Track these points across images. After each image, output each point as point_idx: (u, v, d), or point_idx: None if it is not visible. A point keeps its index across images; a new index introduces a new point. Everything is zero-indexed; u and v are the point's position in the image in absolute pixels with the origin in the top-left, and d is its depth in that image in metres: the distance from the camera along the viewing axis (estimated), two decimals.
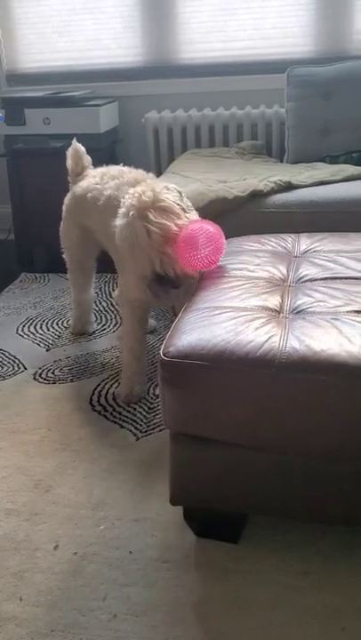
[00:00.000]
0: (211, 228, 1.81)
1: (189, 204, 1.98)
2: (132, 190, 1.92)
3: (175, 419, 1.45)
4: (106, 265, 2.54)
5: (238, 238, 2.09)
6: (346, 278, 1.70)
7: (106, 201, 2.21)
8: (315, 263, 1.82)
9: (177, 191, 1.95)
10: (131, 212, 1.86)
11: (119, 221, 1.92)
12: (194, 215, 1.95)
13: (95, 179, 2.35)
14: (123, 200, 1.96)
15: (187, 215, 1.91)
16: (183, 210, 1.90)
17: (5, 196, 3.56)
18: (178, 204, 1.89)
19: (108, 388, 2.27)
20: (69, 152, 2.53)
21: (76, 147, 2.52)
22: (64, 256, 2.58)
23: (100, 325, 2.78)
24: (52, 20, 3.66)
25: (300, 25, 3.41)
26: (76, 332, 2.71)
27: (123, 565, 1.54)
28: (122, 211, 1.92)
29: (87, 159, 2.53)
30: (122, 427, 2.07)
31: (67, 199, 2.50)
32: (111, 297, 3.02)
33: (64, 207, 2.50)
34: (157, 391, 2.22)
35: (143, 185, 1.95)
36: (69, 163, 2.52)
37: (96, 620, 1.40)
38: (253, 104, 3.49)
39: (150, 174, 2.23)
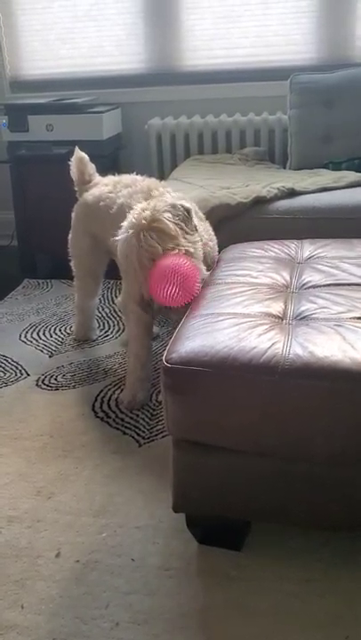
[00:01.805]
0: (186, 265, 1.76)
1: (198, 221, 1.96)
2: (137, 206, 1.91)
3: (178, 425, 1.45)
4: (108, 271, 2.54)
5: (241, 244, 2.09)
6: (349, 285, 1.70)
7: (118, 209, 2.21)
8: (318, 269, 1.81)
9: (184, 208, 1.93)
10: (129, 230, 1.86)
11: (119, 236, 1.92)
12: (204, 230, 1.93)
13: (108, 187, 2.35)
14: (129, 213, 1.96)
15: (187, 236, 1.89)
16: (185, 230, 1.89)
17: (8, 203, 3.57)
18: (177, 224, 1.88)
19: (111, 395, 2.27)
20: (73, 161, 2.52)
21: (80, 155, 2.51)
22: (71, 264, 2.58)
23: (103, 332, 2.77)
24: (55, 27, 3.67)
25: (302, 32, 3.42)
26: (79, 338, 2.71)
27: (125, 573, 1.53)
28: (124, 225, 1.92)
29: (92, 166, 2.53)
30: (124, 433, 2.06)
31: (77, 207, 2.50)
32: (114, 303, 3.02)
33: (74, 215, 2.50)
34: (160, 397, 2.22)
35: (151, 200, 1.93)
36: (74, 172, 2.51)
37: (98, 629, 1.39)
38: (256, 111, 3.50)
39: (163, 182, 2.23)
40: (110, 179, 2.42)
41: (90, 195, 2.42)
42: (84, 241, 2.47)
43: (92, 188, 2.44)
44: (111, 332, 2.76)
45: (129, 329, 2.18)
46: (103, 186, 2.38)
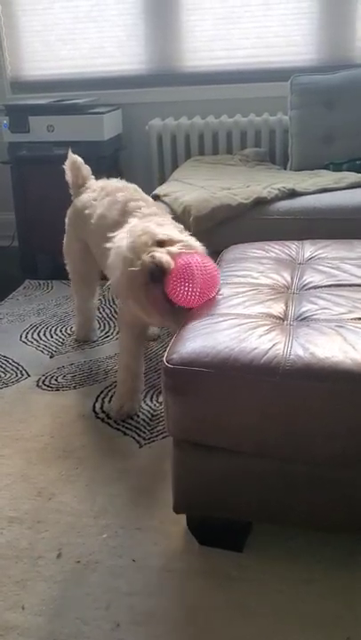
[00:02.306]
0: (209, 265, 1.69)
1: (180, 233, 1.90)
2: (129, 235, 1.82)
3: (178, 426, 1.45)
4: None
5: (242, 245, 2.09)
6: (350, 285, 1.70)
7: (97, 219, 2.21)
8: (319, 270, 1.81)
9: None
10: (127, 255, 1.77)
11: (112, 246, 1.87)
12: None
13: (94, 193, 2.34)
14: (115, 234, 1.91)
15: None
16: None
17: (9, 203, 3.58)
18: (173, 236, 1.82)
19: (112, 396, 2.27)
20: (67, 164, 2.50)
21: (73, 158, 2.49)
22: (67, 267, 2.58)
23: (104, 332, 2.78)
24: (56, 28, 3.68)
25: (303, 33, 3.42)
26: (80, 339, 2.71)
27: (126, 574, 1.53)
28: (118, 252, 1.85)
29: (86, 169, 2.50)
30: (125, 434, 2.06)
31: (69, 211, 2.50)
32: (114, 304, 3.02)
33: (66, 219, 2.50)
34: (161, 398, 2.22)
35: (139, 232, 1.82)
36: (69, 175, 2.50)
37: (99, 630, 1.39)
38: (257, 112, 3.50)
39: (139, 192, 2.21)
40: (98, 184, 2.40)
41: (79, 201, 2.42)
42: (76, 246, 2.46)
43: (84, 192, 2.42)
44: (111, 333, 2.76)
45: (120, 339, 2.16)
46: (91, 192, 2.37)
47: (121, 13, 3.57)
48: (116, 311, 2.94)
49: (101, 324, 2.84)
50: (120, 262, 1.78)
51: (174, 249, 1.73)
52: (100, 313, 2.93)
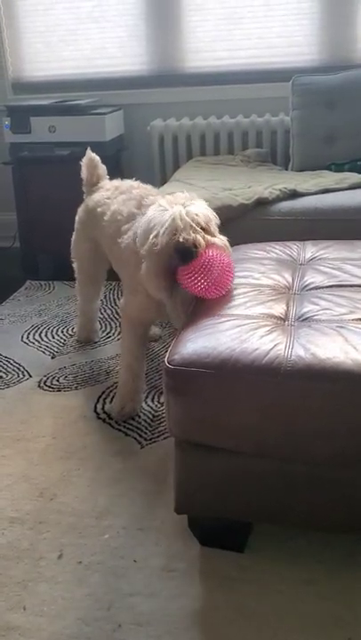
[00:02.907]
0: (226, 259, 1.71)
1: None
2: (171, 203, 1.81)
3: (180, 426, 1.45)
4: (111, 273, 2.54)
5: (243, 246, 2.09)
6: (351, 286, 1.69)
7: (111, 215, 2.20)
8: (320, 271, 1.81)
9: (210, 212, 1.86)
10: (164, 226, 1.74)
11: (148, 212, 1.84)
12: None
13: (107, 192, 2.33)
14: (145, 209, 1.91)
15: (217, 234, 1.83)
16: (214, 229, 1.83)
17: (11, 204, 3.58)
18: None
19: (113, 396, 2.27)
20: (84, 161, 2.51)
21: (91, 156, 2.50)
22: (74, 266, 2.58)
23: (105, 333, 2.78)
24: (57, 28, 3.68)
25: (304, 34, 3.42)
26: (81, 340, 2.71)
27: (127, 574, 1.53)
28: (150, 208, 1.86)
29: (102, 169, 2.51)
30: (126, 435, 2.06)
31: (80, 211, 2.49)
32: (116, 304, 3.02)
33: (77, 218, 2.50)
34: (162, 399, 2.22)
35: (180, 200, 1.82)
36: (84, 173, 2.51)
37: (100, 630, 1.39)
38: (258, 112, 3.50)
39: (155, 189, 2.22)
40: (112, 183, 2.40)
41: (91, 199, 2.41)
42: (85, 245, 2.46)
43: (97, 191, 2.43)
44: (113, 334, 2.76)
45: (123, 340, 2.16)
46: (105, 191, 2.37)
47: (122, 14, 3.58)
48: (117, 312, 2.94)
49: (103, 325, 2.84)
50: (164, 224, 1.73)
51: (212, 239, 1.74)
52: (102, 314, 2.93)
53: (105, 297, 3.10)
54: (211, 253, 1.68)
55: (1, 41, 3.75)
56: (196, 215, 1.75)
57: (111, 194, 2.30)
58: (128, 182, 2.34)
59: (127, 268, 2.05)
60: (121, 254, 2.08)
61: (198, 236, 1.70)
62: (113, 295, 3.14)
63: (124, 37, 3.61)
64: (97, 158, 2.50)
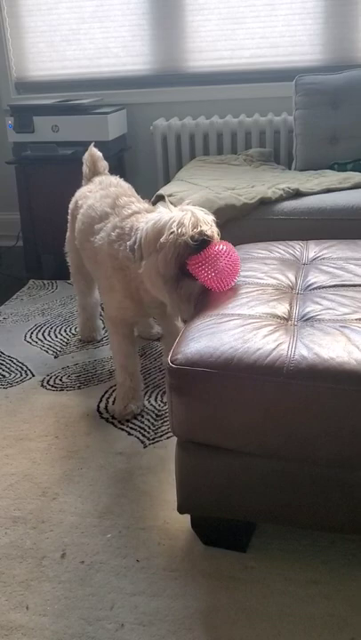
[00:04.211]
0: (234, 253, 1.77)
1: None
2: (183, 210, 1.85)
3: (183, 426, 1.45)
4: None
5: (246, 245, 2.09)
6: (354, 286, 1.69)
7: (86, 210, 2.23)
8: (323, 270, 1.81)
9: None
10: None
11: (152, 216, 1.88)
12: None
13: (92, 186, 2.38)
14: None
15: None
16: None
17: (14, 203, 3.58)
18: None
19: (116, 396, 2.27)
20: (85, 157, 2.54)
21: (92, 151, 2.53)
22: (67, 259, 2.61)
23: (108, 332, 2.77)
24: (61, 28, 3.68)
25: (308, 33, 3.41)
26: (84, 339, 2.71)
27: (130, 574, 1.53)
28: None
29: (102, 165, 2.53)
30: (129, 434, 2.06)
31: (71, 203, 2.52)
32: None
33: (69, 210, 2.53)
34: (165, 398, 2.22)
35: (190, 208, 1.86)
36: (84, 167, 2.54)
37: (103, 630, 1.39)
38: (262, 112, 3.50)
39: (131, 189, 2.25)
40: (99, 178, 2.43)
41: (78, 191, 2.46)
42: (73, 237, 2.48)
43: (87, 185, 2.47)
44: None
45: (111, 342, 2.18)
46: (91, 184, 2.41)
47: (125, 14, 3.58)
48: None
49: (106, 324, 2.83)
50: (170, 222, 1.78)
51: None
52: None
53: None
54: (222, 247, 1.76)
55: (4, 40, 3.75)
56: (205, 216, 1.82)
57: (94, 187, 2.34)
58: (110, 179, 2.38)
59: (102, 268, 2.08)
60: (95, 254, 2.12)
61: (214, 229, 1.80)
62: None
63: (127, 37, 3.62)
64: (98, 154, 2.52)
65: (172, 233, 1.75)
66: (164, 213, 1.84)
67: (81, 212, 2.27)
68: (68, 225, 2.52)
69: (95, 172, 2.51)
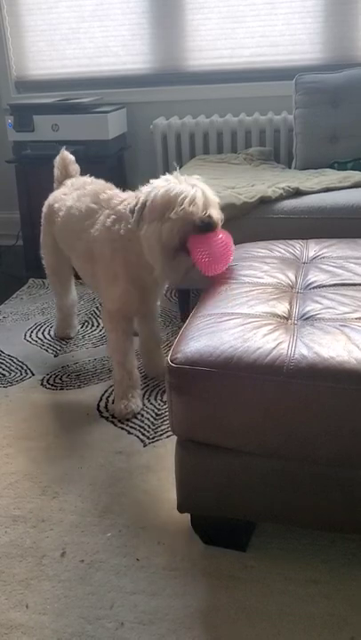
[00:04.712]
0: (228, 239, 1.86)
1: None
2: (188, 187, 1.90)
3: (183, 425, 1.45)
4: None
5: (246, 244, 2.09)
6: (355, 285, 1.69)
7: (67, 212, 2.28)
8: (323, 269, 1.81)
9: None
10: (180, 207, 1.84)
11: (161, 183, 1.92)
12: None
13: (65, 189, 2.42)
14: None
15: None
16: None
17: (14, 202, 3.58)
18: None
19: (115, 394, 2.27)
20: (56, 160, 2.58)
21: (63, 155, 2.57)
22: (43, 261, 2.64)
23: (104, 331, 2.77)
24: (60, 27, 3.68)
25: (307, 32, 3.41)
26: (59, 336, 2.75)
27: (130, 573, 1.53)
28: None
29: (74, 168, 2.57)
30: (129, 433, 2.06)
31: (44, 206, 2.55)
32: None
33: (42, 214, 2.55)
34: (165, 397, 2.22)
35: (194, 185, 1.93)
36: (55, 170, 2.58)
37: (103, 629, 1.39)
38: (262, 111, 3.49)
39: (109, 184, 2.28)
40: (70, 181, 2.48)
41: (52, 195, 2.50)
42: (47, 240, 2.53)
43: (59, 188, 2.51)
44: None
45: (109, 340, 2.19)
46: (64, 187, 2.46)
47: (125, 12, 3.57)
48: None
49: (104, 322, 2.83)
50: (195, 196, 1.84)
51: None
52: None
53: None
54: (221, 236, 1.84)
55: (4, 39, 3.75)
56: (214, 197, 1.90)
57: (68, 190, 2.39)
58: (82, 179, 2.43)
59: (101, 260, 2.10)
60: (90, 248, 2.14)
61: (220, 215, 1.87)
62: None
63: (127, 36, 3.61)
64: (70, 157, 2.57)
65: (182, 209, 1.80)
66: (174, 184, 1.88)
67: (61, 214, 2.31)
68: (43, 229, 2.55)
69: (67, 176, 2.55)
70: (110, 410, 2.20)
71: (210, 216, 1.81)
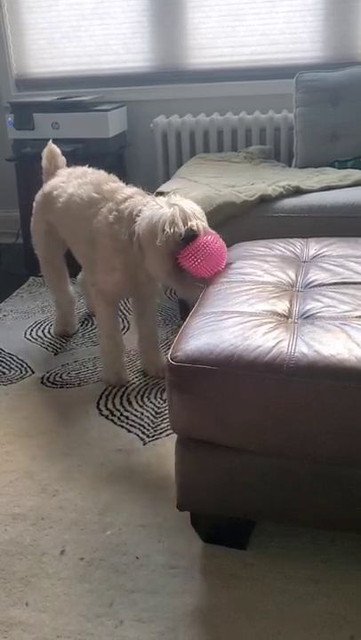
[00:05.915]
0: (219, 242, 1.92)
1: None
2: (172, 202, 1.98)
3: (182, 423, 1.44)
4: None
5: (247, 243, 2.09)
6: (355, 283, 1.69)
7: (68, 198, 2.32)
8: (323, 268, 1.81)
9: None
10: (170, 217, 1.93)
11: (146, 212, 1.99)
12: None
13: (62, 177, 2.46)
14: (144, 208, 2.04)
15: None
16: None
17: (14, 200, 3.57)
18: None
19: (116, 392, 2.27)
20: (44, 152, 2.61)
21: (51, 147, 2.61)
22: (36, 252, 2.66)
23: None
24: (61, 25, 3.67)
25: (308, 30, 3.41)
26: (58, 334, 2.75)
27: (129, 571, 1.53)
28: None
29: (61, 160, 2.62)
30: (129, 431, 2.06)
31: (37, 196, 2.57)
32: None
33: (34, 203, 2.58)
34: (164, 396, 2.22)
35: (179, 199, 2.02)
36: (44, 162, 2.61)
37: (102, 627, 1.39)
38: (262, 109, 3.49)
39: (112, 175, 2.33)
40: (66, 170, 2.52)
41: (48, 184, 2.52)
42: (40, 228, 2.56)
43: (53, 178, 2.53)
44: None
45: (99, 314, 2.29)
46: (60, 177, 2.49)
47: (126, 11, 3.57)
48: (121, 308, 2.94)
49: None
50: (173, 216, 1.92)
51: (207, 227, 1.97)
52: None
53: None
54: (207, 238, 1.90)
55: (4, 37, 3.74)
56: (193, 209, 1.97)
57: (66, 179, 2.43)
58: (81, 168, 2.46)
59: (102, 250, 2.16)
60: (91, 238, 2.20)
61: (200, 223, 1.93)
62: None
63: (128, 34, 3.61)
64: (57, 150, 2.62)
65: (165, 233, 1.89)
66: (155, 210, 1.96)
67: (61, 200, 2.35)
68: (36, 218, 2.57)
69: (56, 167, 2.59)
70: (102, 379, 2.31)
71: (190, 228, 1.89)
